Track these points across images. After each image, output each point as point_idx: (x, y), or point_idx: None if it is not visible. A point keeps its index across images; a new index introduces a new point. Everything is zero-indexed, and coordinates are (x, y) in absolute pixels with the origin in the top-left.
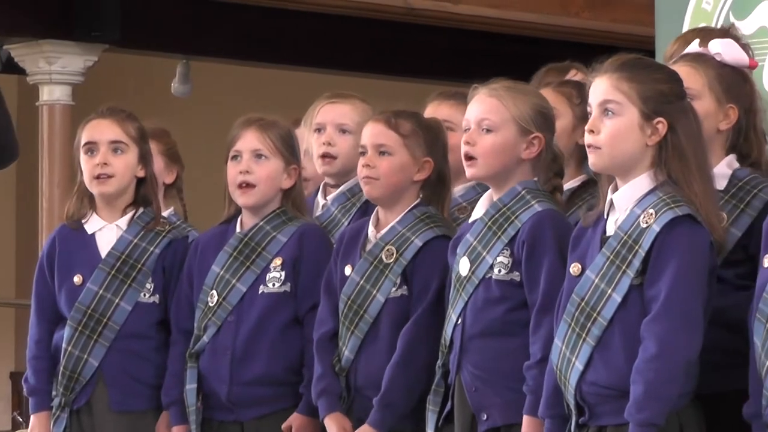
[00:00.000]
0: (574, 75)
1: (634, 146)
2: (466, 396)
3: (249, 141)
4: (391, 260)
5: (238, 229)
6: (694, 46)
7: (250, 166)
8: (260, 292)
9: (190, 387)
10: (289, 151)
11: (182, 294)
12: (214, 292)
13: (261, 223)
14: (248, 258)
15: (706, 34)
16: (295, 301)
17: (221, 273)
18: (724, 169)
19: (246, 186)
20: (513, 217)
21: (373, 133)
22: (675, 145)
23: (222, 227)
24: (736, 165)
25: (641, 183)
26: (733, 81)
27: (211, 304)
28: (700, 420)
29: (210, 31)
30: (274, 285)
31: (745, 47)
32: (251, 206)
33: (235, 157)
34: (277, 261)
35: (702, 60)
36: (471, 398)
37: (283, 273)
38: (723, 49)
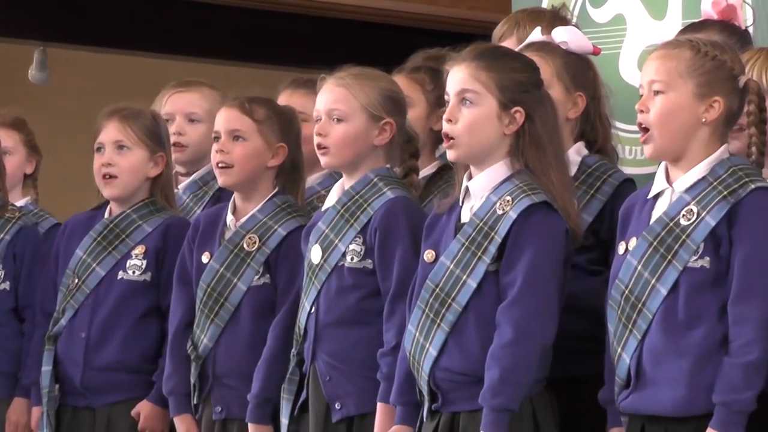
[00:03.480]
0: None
1: (492, 135)
2: (321, 385)
3: (110, 133)
4: (254, 248)
5: (106, 216)
6: (537, 34)
7: (112, 158)
8: (119, 278)
9: (46, 369)
10: (154, 140)
11: (48, 277)
12: (75, 275)
13: (128, 211)
14: (111, 243)
15: (537, 15)
16: (156, 291)
17: (83, 257)
18: (573, 156)
19: (109, 177)
20: (365, 205)
21: (227, 118)
22: (532, 134)
23: (92, 213)
24: (585, 152)
25: (498, 171)
26: (580, 69)
27: (71, 287)
28: (553, 405)
29: (68, 18)
30: (134, 272)
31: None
32: (115, 198)
33: (99, 149)
34: (140, 249)
35: (549, 49)
36: (325, 387)
37: (144, 262)
38: (569, 37)
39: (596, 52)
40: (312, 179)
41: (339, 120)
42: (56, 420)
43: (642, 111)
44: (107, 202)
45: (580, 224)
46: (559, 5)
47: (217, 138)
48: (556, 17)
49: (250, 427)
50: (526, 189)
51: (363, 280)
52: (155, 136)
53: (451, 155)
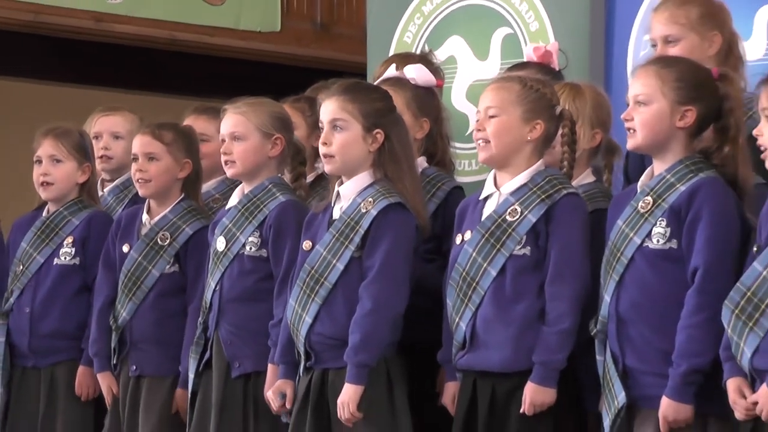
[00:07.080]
0: None
1: (359, 153)
2: (223, 348)
3: (45, 148)
4: (166, 243)
5: (44, 214)
6: (392, 71)
7: (48, 169)
8: (54, 263)
9: (0, 340)
10: (81, 153)
11: (5, 266)
12: (20, 263)
13: (61, 209)
14: (48, 236)
15: (406, 57)
16: (85, 271)
17: (26, 248)
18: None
19: (46, 184)
20: (262, 206)
21: (141, 143)
22: (390, 150)
23: (34, 212)
24: (425, 164)
25: (363, 179)
26: (425, 99)
27: (18, 273)
28: (403, 363)
29: None
30: (65, 258)
31: (437, 68)
32: (51, 199)
33: (38, 162)
34: (69, 239)
35: (401, 84)
36: (227, 350)
37: (73, 249)
38: (416, 74)
39: (439, 84)
40: (209, 185)
41: (239, 139)
42: (9, 378)
43: (480, 130)
44: (46, 203)
45: (427, 221)
46: (425, 51)
47: (135, 159)
48: (424, 60)
49: (180, 391)
50: (385, 192)
51: (259, 266)
52: (83, 150)
53: (328, 169)
